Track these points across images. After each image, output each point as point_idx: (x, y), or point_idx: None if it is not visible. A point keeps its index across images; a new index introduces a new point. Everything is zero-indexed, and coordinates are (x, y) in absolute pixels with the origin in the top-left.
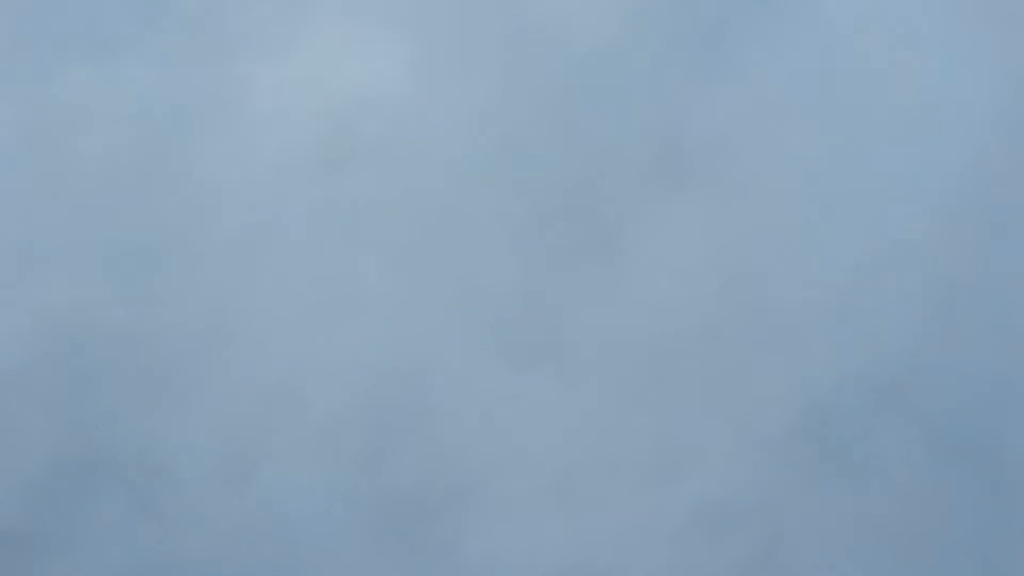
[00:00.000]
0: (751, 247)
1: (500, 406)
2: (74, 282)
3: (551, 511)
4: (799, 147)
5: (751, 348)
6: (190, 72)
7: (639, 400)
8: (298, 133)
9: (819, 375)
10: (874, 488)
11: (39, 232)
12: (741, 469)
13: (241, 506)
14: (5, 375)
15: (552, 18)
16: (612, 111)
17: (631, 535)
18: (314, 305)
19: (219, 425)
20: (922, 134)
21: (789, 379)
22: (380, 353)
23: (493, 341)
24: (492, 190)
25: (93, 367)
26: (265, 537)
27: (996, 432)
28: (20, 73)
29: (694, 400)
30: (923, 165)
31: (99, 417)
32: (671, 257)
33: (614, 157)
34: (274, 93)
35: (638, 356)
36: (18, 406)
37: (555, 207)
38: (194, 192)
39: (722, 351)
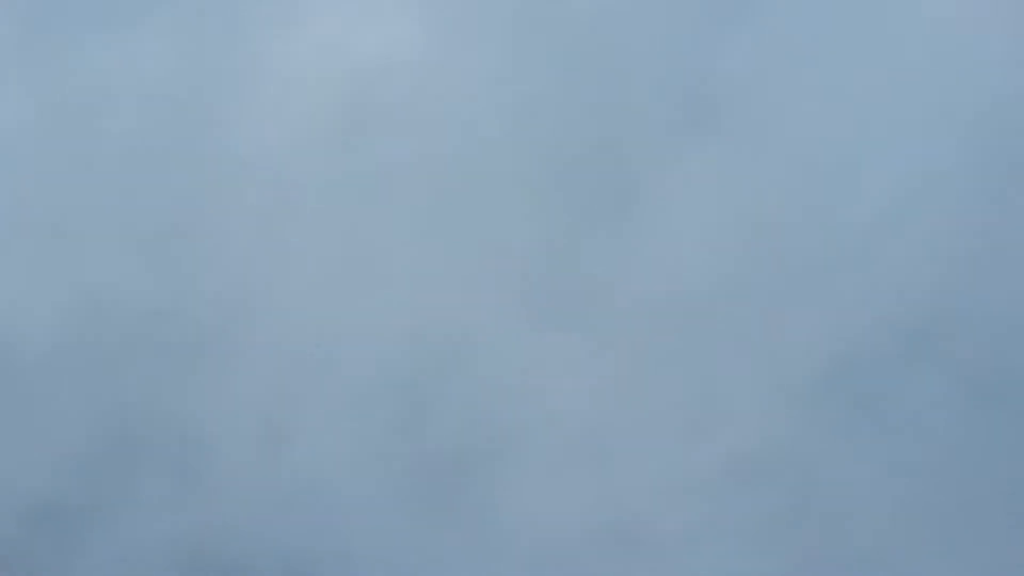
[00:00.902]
0: (777, 196)
1: (529, 366)
2: (105, 260)
3: (583, 469)
4: (825, 93)
5: (779, 299)
6: (208, 45)
7: (668, 355)
8: (316, 102)
9: (848, 323)
10: (907, 437)
11: (70, 211)
12: (772, 421)
13: (278, 474)
14: (43, 354)
15: None
16: (631, 63)
17: (663, 491)
18: (341, 272)
19: (253, 395)
20: (950, 76)
21: (818, 328)
22: (408, 318)
23: (520, 301)
24: (512, 150)
25: (128, 343)
26: (302, 503)
27: None
28: (40, 54)
29: (723, 353)
30: (955, 106)
31: (136, 391)
32: (696, 209)
33: (635, 110)
34: (290, 62)
35: (665, 311)
36: (56, 383)
37: (577, 164)
38: (217, 165)
39: (750, 303)
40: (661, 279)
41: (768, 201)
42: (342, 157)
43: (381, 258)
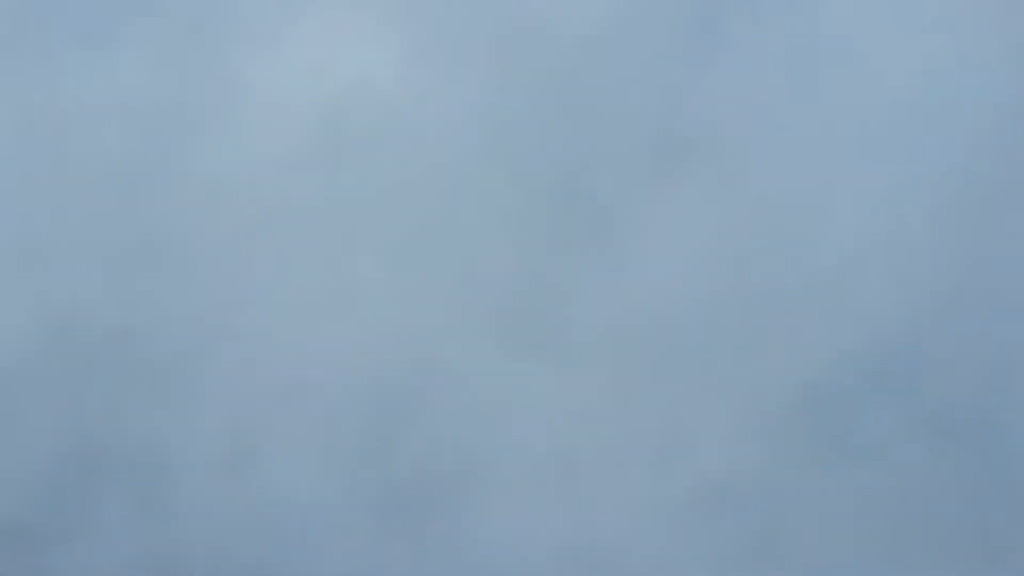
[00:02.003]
0: (747, 231)
1: (500, 393)
2: (73, 278)
3: (552, 496)
4: (795, 131)
5: (749, 331)
6: (184, 65)
7: (638, 384)
8: (293, 125)
9: (817, 357)
10: (872, 468)
11: (38, 229)
12: (740, 451)
13: (243, 498)
14: (7, 371)
15: (545, 6)
16: (606, 98)
17: (632, 518)
18: (312, 297)
19: (220, 418)
20: (919, 117)
21: (787, 361)
22: (379, 343)
23: (492, 329)
24: (488, 179)
25: (94, 363)
26: (268, 528)
27: (994, 412)
28: (16, 69)
29: (693, 383)
30: (920, 148)
31: (100, 412)
32: (668, 242)
33: (609, 144)
34: (269, 85)
35: (637, 341)
36: (20, 402)
37: (551, 194)
38: (190, 186)
39: (720, 334)
40: (632, 309)
41: (738, 236)
42: (318, 180)
43: (353, 283)
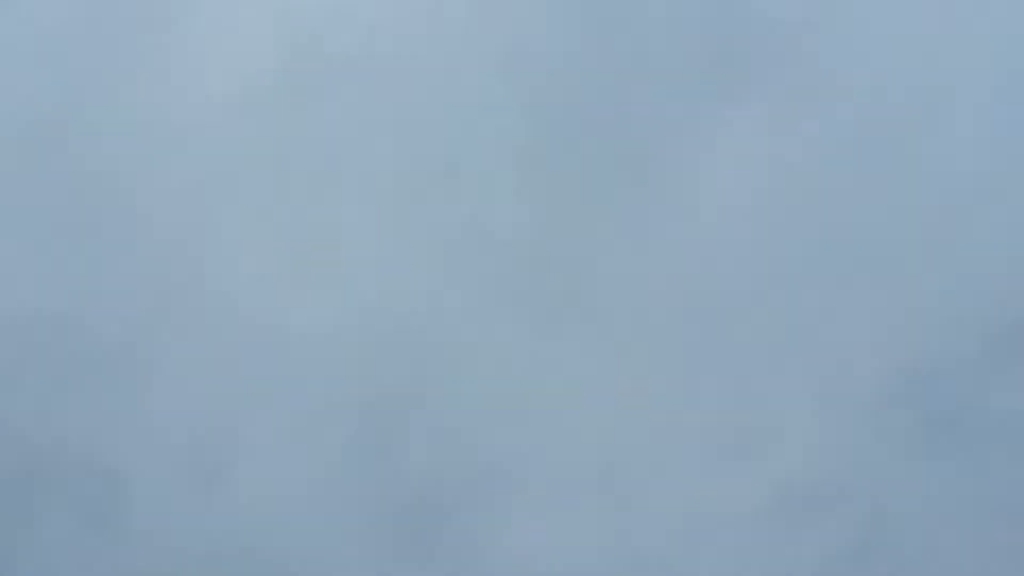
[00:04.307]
0: (830, 166)
1: (520, 378)
2: None
3: (592, 504)
4: (890, 35)
5: (834, 292)
6: None
7: (695, 364)
8: (253, 55)
9: (922, 323)
10: (991, 462)
11: None
12: (827, 443)
13: (209, 512)
14: None
15: None
16: (645, 2)
17: (693, 529)
18: (287, 265)
19: (178, 418)
20: None
21: (884, 329)
22: (370, 320)
23: (507, 299)
24: (495, 111)
25: (23, 355)
26: (240, 549)
27: None
28: None
29: (765, 360)
30: None
31: (33, 415)
32: (727, 184)
33: (650, 61)
34: (222, 7)
35: (691, 310)
36: None
37: (575, 128)
38: (132, 138)
39: (798, 298)
40: (683, 271)
41: (819, 172)
42: (282, 123)
43: (334, 247)
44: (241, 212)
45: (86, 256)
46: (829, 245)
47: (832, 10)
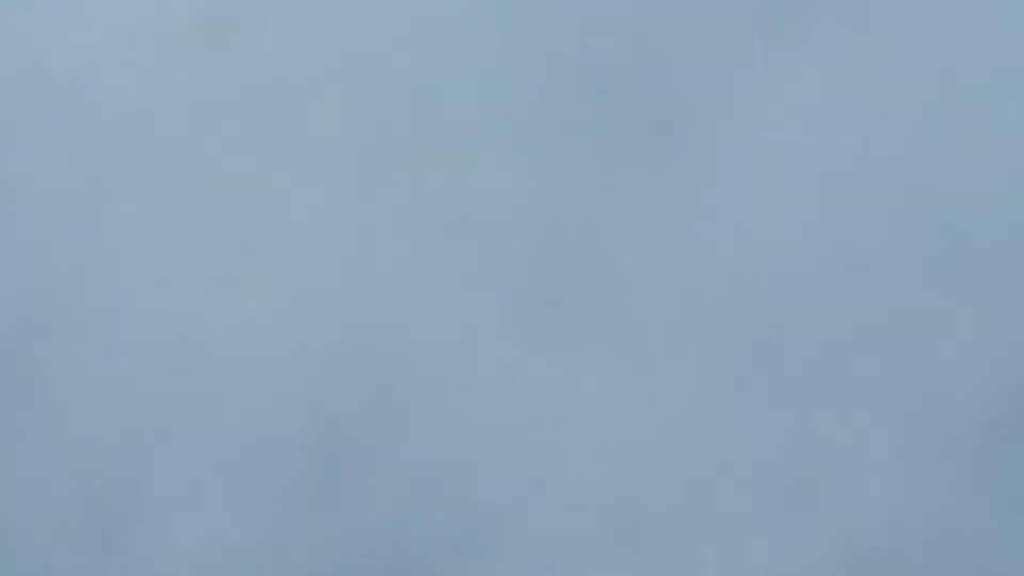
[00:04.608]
0: (901, 131)
1: (517, 403)
2: None
3: (610, 558)
4: None
5: (919, 293)
6: None
7: (740, 389)
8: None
9: (1022, 346)
10: None
11: None
12: (911, 494)
13: (110, 573)
14: None
15: None
16: None
17: None
18: (207, 254)
19: (77, 454)
20: None
21: (975, 352)
22: (330, 324)
23: (506, 300)
24: (491, 66)
25: None
26: None
27: None
28: None
29: (832, 386)
30: None
31: None
32: (772, 155)
33: (680, 7)
34: None
35: (731, 315)
36: None
37: (588, 88)
38: (27, 90)
39: (873, 300)
40: (719, 266)
41: (887, 139)
42: (209, 75)
43: (288, 231)
44: (164, 191)
45: None
46: (902, 233)
47: None
